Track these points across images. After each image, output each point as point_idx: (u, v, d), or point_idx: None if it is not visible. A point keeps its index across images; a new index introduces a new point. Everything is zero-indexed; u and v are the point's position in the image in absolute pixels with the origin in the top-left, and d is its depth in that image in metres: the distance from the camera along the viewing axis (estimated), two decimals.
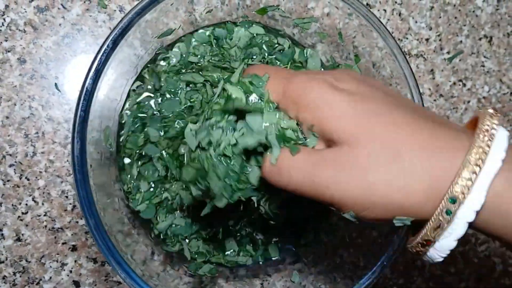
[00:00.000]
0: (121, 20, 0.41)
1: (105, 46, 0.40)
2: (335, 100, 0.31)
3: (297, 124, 0.34)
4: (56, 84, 0.53)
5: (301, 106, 0.33)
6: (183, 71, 0.49)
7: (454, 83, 0.65)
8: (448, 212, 0.29)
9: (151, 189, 0.49)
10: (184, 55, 0.50)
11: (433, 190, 0.29)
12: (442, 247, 0.31)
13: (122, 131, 0.49)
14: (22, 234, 0.52)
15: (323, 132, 0.32)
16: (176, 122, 0.47)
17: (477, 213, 0.29)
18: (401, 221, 0.31)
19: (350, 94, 0.32)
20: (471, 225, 0.30)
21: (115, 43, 0.40)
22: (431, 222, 0.30)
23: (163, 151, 0.48)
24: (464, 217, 0.29)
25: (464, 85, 0.66)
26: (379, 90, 0.33)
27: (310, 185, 0.31)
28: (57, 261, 0.53)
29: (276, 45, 0.52)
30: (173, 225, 0.49)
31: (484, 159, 0.28)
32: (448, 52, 0.65)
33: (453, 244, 0.31)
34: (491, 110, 0.31)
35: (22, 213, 0.52)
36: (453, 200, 0.29)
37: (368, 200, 0.30)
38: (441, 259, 0.32)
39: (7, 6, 0.52)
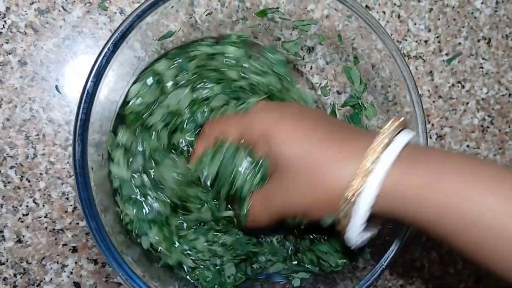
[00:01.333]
0: (122, 23, 0.41)
1: (106, 49, 0.41)
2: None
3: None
4: (56, 86, 0.53)
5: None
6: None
7: (453, 85, 0.66)
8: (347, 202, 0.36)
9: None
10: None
11: (336, 192, 0.36)
12: (354, 230, 0.38)
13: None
14: (23, 236, 0.53)
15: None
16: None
17: (375, 201, 0.35)
18: (328, 218, 0.39)
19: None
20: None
21: (116, 45, 0.41)
22: (340, 212, 0.37)
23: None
24: (363, 204, 0.35)
25: (463, 86, 0.66)
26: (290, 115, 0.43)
27: (276, 213, 0.41)
28: (57, 263, 0.53)
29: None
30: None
31: (376, 161, 0.35)
32: (447, 54, 0.65)
33: (360, 227, 0.37)
34: (396, 122, 0.38)
35: (23, 214, 0.52)
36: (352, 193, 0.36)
37: (303, 208, 0.39)
38: (360, 241, 0.40)
39: (8, 8, 0.52)
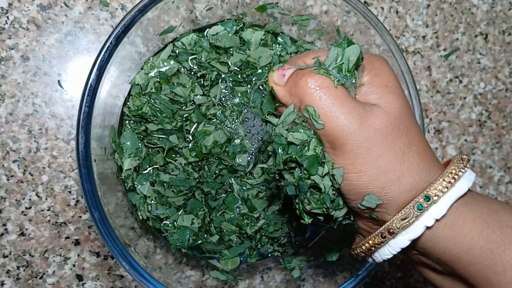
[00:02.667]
0: (123, 18, 0.42)
1: (108, 43, 0.41)
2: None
3: None
4: (59, 81, 0.54)
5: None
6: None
7: (451, 80, 0.66)
8: (419, 207, 0.33)
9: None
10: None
11: (412, 189, 0.34)
12: (397, 243, 0.35)
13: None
14: (26, 229, 0.53)
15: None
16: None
17: (434, 223, 0.34)
18: (371, 200, 0.34)
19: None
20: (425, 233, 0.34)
21: (118, 40, 0.41)
22: (401, 213, 0.34)
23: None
24: (426, 220, 0.33)
25: (461, 81, 0.67)
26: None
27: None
28: (60, 255, 0.54)
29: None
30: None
31: (457, 179, 0.34)
32: (444, 49, 0.66)
33: (406, 242, 0.34)
34: (464, 156, 0.36)
35: (26, 208, 0.53)
36: (427, 198, 0.33)
37: (365, 160, 0.33)
38: (388, 257, 0.36)
39: (10, 4, 0.53)
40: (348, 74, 0.34)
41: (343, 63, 0.34)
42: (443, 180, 0.34)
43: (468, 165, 0.35)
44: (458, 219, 0.34)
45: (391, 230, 0.34)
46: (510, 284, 0.34)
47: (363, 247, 0.37)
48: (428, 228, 0.34)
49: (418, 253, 0.37)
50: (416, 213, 0.33)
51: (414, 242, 0.35)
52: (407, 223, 0.34)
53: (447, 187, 0.33)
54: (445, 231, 0.34)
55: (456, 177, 0.34)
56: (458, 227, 0.34)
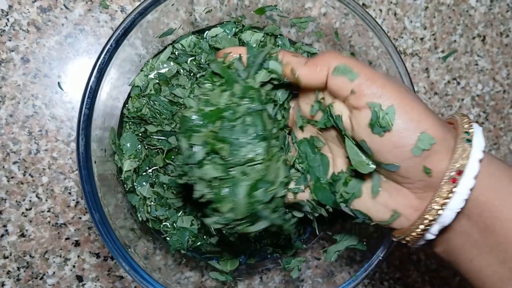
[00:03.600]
0: (124, 20, 0.42)
1: (108, 46, 0.42)
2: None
3: None
4: (59, 83, 0.54)
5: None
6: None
7: (449, 81, 0.67)
8: (468, 140, 0.34)
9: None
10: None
11: (450, 131, 0.36)
12: (464, 186, 0.34)
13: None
14: (26, 230, 0.53)
15: None
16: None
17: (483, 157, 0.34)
18: (424, 141, 0.33)
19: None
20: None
21: (118, 42, 0.41)
22: (457, 149, 0.34)
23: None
24: (476, 153, 0.34)
25: (458, 83, 0.67)
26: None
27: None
28: (60, 256, 0.54)
29: None
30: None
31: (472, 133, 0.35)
32: (442, 51, 0.66)
33: (452, 215, 0.34)
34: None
35: (26, 209, 0.53)
36: (468, 133, 0.35)
37: (410, 104, 0.35)
38: (433, 237, 0.36)
39: (10, 7, 0.53)
40: None
41: None
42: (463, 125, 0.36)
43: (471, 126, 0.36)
44: (491, 170, 0.35)
45: (459, 169, 0.34)
46: None
47: (435, 207, 0.35)
48: (480, 161, 0.34)
49: (463, 214, 0.36)
50: (468, 145, 0.34)
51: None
52: (468, 153, 0.34)
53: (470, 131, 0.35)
54: (490, 178, 0.34)
55: (470, 128, 0.36)
56: (495, 176, 0.35)
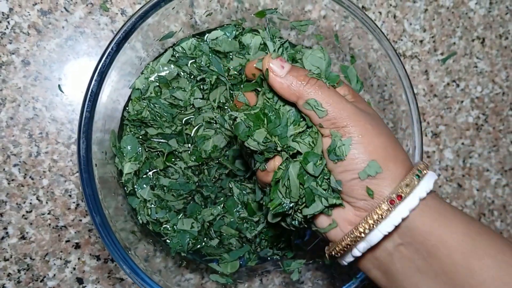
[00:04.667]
0: (124, 24, 0.43)
1: (109, 49, 0.42)
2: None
3: None
4: (59, 86, 0.54)
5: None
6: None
7: (448, 84, 0.67)
8: (418, 175, 0.37)
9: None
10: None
11: (404, 166, 0.38)
12: (399, 213, 0.36)
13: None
14: (27, 232, 0.54)
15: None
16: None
17: (426, 196, 0.37)
18: (372, 168, 0.37)
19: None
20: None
21: (119, 45, 0.42)
22: (405, 180, 0.37)
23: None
24: (420, 191, 0.37)
25: (458, 85, 0.67)
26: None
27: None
28: (60, 259, 0.54)
29: None
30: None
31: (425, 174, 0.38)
32: (441, 54, 0.66)
33: (380, 236, 0.37)
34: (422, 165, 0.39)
35: (27, 211, 0.53)
36: (420, 171, 0.38)
37: (368, 137, 0.38)
38: (359, 254, 0.38)
39: (11, 10, 0.53)
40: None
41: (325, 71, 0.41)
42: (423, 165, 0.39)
43: (426, 170, 0.39)
44: (435, 204, 0.37)
45: (400, 194, 0.36)
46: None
47: (364, 225, 0.37)
48: (421, 199, 0.36)
49: (401, 241, 0.38)
50: (415, 181, 0.37)
51: (402, 222, 0.37)
52: (412, 188, 0.36)
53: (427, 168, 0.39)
54: (431, 211, 0.37)
55: (425, 171, 0.38)
56: (438, 210, 0.37)
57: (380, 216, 0.36)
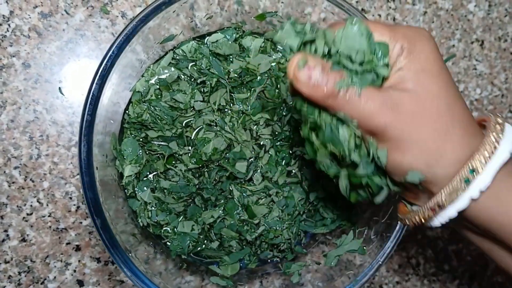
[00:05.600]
0: (126, 27, 0.43)
1: (110, 52, 0.42)
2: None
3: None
4: (60, 88, 0.54)
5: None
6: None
7: None
8: (466, 181, 0.34)
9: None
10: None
11: (456, 164, 0.34)
12: (446, 214, 0.35)
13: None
14: (27, 235, 0.54)
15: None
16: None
17: (481, 193, 0.34)
18: (414, 176, 0.35)
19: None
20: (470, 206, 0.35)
21: (120, 49, 0.42)
22: (448, 188, 0.34)
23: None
24: (472, 192, 0.34)
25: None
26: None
27: (385, 120, 0.34)
28: (61, 261, 0.54)
29: None
30: None
31: (497, 146, 0.34)
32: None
33: (454, 214, 0.35)
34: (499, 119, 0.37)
35: (27, 214, 0.54)
36: (472, 171, 0.34)
37: (408, 141, 0.34)
38: (437, 225, 0.37)
39: (11, 12, 0.53)
40: (371, 67, 0.34)
41: (367, 59, 0.34)
42: (485, 150, 0.34)
43: (505, 129, 0.36)
44: (502, 189, 0.35)
45: (440, 204, 0.35)
46: None
47: (413, 220, 0.38)
48: (473, 200, 0.34)
49: (463, 221, 0.37)
50: (463, 186, 0.34)
51: (461, 212, 0.35)
52: (455, 196, 0.34)
53: (489, 157, 0.34)
54: (490, 202, 0.35)
55: (496, 144, 0.34)
56: (502, 197, 0.35)
57: (429, 216, 0.36)
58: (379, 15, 0.64)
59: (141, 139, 0.51)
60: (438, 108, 0.34)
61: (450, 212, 0.35)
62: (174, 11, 0.47)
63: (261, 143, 0.53)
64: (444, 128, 0.34)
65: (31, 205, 0.54)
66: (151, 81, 0.51)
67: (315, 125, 0.36)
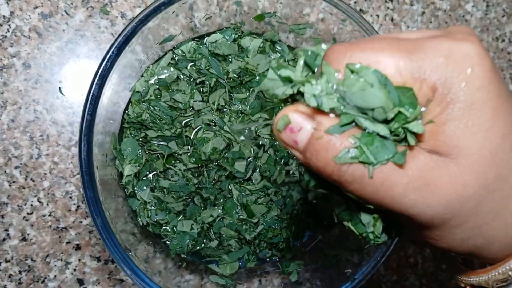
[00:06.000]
0: (125, 28, 0.43)
1: (110, 53, 0.42)
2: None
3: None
4: (60, 88, 0.55)
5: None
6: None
7: None
8: None
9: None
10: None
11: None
12: None
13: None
14: (28, 234, 0.54)
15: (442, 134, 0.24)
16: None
17: None
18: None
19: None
20: None
21: (120, 49, 0.42)
22: (497, 274, 0.28)
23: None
24: None
25: None
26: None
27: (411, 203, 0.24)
28: (61, 260, 0.55)
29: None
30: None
31: None
32: None
33: None
34: None
35: (28, 213, 0.54)
36: None
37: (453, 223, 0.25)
38: None
39: (12, 13, 0.53)
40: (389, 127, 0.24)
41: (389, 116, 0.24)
42: None
43: None
44: None
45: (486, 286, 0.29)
46: None
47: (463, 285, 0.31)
48: None
49: None
50: None
51: None
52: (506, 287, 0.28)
53: None
54: None
55: None
56: None
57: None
58: (377, 16, 0.64)
59: (140, 139, 0.51)
60: (491, 182, 0.25)
61: None
62: (173, 12, 0.47)
63: (260, 143, 0.53)
64: (494, 211, 0.26)
65: (31, 205, 0.54)
66: (150, 81, 0.51)
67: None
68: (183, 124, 0.52)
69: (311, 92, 0.24)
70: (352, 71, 0.23)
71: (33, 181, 0.54)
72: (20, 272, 0.54)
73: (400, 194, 0.24)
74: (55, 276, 0.55)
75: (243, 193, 0.53)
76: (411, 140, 0.24)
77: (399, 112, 0.23)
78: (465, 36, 0.24)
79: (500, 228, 0.26)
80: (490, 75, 0.24)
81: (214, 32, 0.53)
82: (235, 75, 0.52)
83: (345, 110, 0.24)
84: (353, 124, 0.24)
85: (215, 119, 0.52)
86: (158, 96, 0.51)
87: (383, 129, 0.23)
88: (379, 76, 0.23)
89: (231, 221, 0.53)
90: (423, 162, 0.24)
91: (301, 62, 0.26)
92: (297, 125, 0.25)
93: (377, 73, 0.23)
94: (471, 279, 0.30)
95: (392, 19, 0.65)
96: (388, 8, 0.64)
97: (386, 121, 0.24)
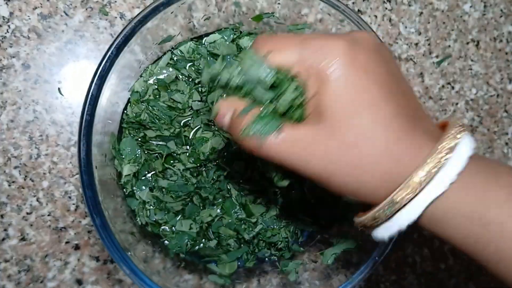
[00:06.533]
0: (124, 28, 0.43)
1: (109, 53, 0.42)
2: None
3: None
4: (59, 89, 0.55)
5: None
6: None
7: (443, 86, 0.68)
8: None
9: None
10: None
11: (390, 180, 0.32)
12: (385, 230, 0.34)
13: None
14: (27, 234, 0.54)
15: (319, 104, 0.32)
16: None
17: (421, 214, 0.32)
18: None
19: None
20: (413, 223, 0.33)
21: (119, 49, 0.42)
22: (380, 208, 0.33)
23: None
24: (408, 214, 0.32)
25: (453, 87, 0.68)
26: (386, 68, 0.33)
27: (300, 165, 0.33)
28: (60, 260, 0.55)
29: None
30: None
31: (438, 167, 0.31)
32: (436, 56, 0.67)
33: (394, 230, 0.34)
34: (460, 124, 0.33)
35: (27, 213, 0.54)
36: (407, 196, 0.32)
37: (342, 180, 0.33)
38: (386, 239, 0.35)
39: (11, 14, 0.54)
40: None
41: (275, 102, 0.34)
42: (421, 171, 0.31)
43: (458, 139, 0.32)
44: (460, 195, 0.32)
45: (375, 220, 0.34)
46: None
47: (360, 227, 0.36)
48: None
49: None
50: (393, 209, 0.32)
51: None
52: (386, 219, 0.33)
53: (421, 184, 0.31)
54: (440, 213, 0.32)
55: (436, 167, 0.31)
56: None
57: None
58: (375, 16, 0.64)
59: (139, 139, 0.51)
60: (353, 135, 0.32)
61: (389, 230, 0.34)
62: (172, 12, 0.48)
63: None
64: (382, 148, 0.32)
65: (30, 204, 0.54)
66: (149, 81, 0.51)
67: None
68: (182, 124, 0.52)
69: (226, 77, 0.34)
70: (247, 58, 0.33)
71: (33, 181, 0.54)
72: (19, 272, 0.54)
73: (285, 157, 0.33)
74: (54, 276, 0.55)
75: (241, 193, 0.53)
76: (295, 115, 0.33)
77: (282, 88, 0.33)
78: (349, 37, 0.32)
79: (362, 176, 0.32)
80: (350, 61, 0.31)
81: (212, 33, 0.53)
82: None
83: (247, 86, 0.33)
84: (256, 107, 0.33)
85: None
86: (157, 96, 0.52)
87: (269, 95, 0.33)
88: (258, 57, 0.33)
89: (230, 220, 0.53)
90: (301, 133, 0.32)
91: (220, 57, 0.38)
92: (223, 113, 0.35)
93: (256, 56, 0.33)
94: (357, 219, 0.37)
95: (390, 20, 0.65)
96: (386, 8, 0.65)
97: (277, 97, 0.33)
